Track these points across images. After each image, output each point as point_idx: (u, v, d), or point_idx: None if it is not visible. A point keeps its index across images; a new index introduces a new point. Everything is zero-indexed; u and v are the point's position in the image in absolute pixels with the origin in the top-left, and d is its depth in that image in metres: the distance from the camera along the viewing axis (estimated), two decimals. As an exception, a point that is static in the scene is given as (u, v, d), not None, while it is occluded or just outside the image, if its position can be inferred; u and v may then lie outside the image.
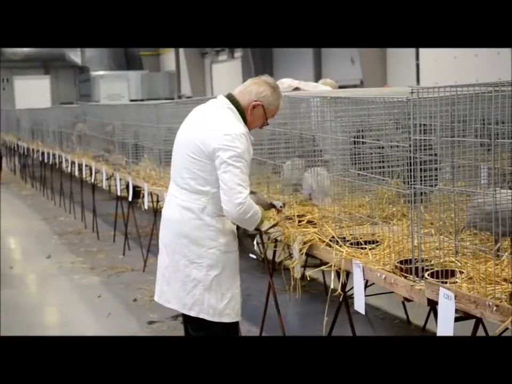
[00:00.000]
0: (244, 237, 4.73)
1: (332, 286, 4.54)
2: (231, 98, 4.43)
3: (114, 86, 30.61)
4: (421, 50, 16.22)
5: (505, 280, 3.41)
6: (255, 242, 5.19)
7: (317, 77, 20.61)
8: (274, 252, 6.30)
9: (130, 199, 9.60)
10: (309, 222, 5.11)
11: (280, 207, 4.86)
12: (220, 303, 4.38)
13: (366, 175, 4.70)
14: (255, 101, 4.40)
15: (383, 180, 4.66)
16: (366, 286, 4.31)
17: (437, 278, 3.60)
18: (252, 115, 4.43)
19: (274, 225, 5.12)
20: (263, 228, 4.94)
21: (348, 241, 4.52)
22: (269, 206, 4.83)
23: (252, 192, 4.47)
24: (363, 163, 4.81)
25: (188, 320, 4.54)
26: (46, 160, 16.11)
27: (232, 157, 4.19)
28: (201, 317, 4.40)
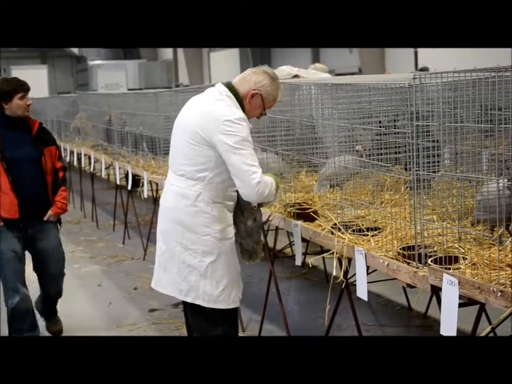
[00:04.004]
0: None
1: (334, 273, 4.54)
2: (230, 86, 4.45)
3: (112, 76, 30.51)
4: (419, 37, 16.18)
5: (509, 265, 3.41)
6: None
7: (315, 65, 20.57)
8: (275, 240, 6.31)
9: (129, 188, 9.58)
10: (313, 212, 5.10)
11: (254, 207, 4.70)
12: (215, 289, 4.38)
13: (368, 162, 4.69)
14: (254, 89, 4.43)
15: (385, 166, 4.65)
16: (367, 273, 4.31)
17: (440, 264, 3.59)
18: (250, 104, 4.45)
19: (267, 220, 5.16)
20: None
21: (349, 228, 4.51)
22: None
23: None
24: (365, 149, 4.81)
25: (186, 306, 4.57)
26: (44, 150, 16.05)
27: (238, 142, 4.21)
28: (197, 303, 4.42)
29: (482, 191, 3.90)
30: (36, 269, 6.24)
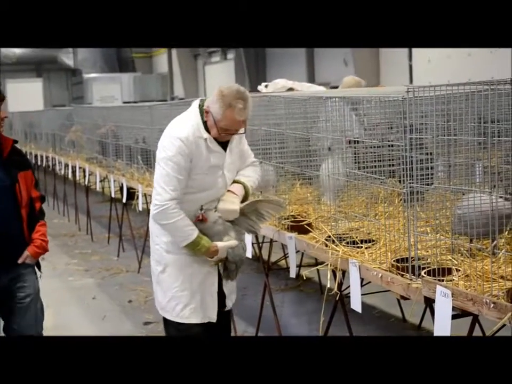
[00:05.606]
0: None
1: (328, 285, 4.54)
2: (200, 103, 4.43)
3: (107, 88, 30.57)
4: (414, 50, 16.24)
5: (502, 277, 3.42)
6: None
7: (310, 78, 20.64)
8: (270, 252, 6.31)
9: (124, 200, 9.59)
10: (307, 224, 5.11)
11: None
12: (164, 298, 4.50)
13: (362, 174, 4.70)
14: (206, 106, 4.34)
15: (378, 179, 4.67)
16: (361, 285, 4.32)
17: (434, 276, 3.60)
18: (208, 121, 4.35)
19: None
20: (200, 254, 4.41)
21: (343, 240, 4.52)
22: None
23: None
24: (358, 162, 4.82)
25: None
26: (39, 163, 16.07)
27: (163, 159, 4.31)
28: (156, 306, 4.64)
29: (462, 204, 3.93)
30: (5, 325, 4.65)
